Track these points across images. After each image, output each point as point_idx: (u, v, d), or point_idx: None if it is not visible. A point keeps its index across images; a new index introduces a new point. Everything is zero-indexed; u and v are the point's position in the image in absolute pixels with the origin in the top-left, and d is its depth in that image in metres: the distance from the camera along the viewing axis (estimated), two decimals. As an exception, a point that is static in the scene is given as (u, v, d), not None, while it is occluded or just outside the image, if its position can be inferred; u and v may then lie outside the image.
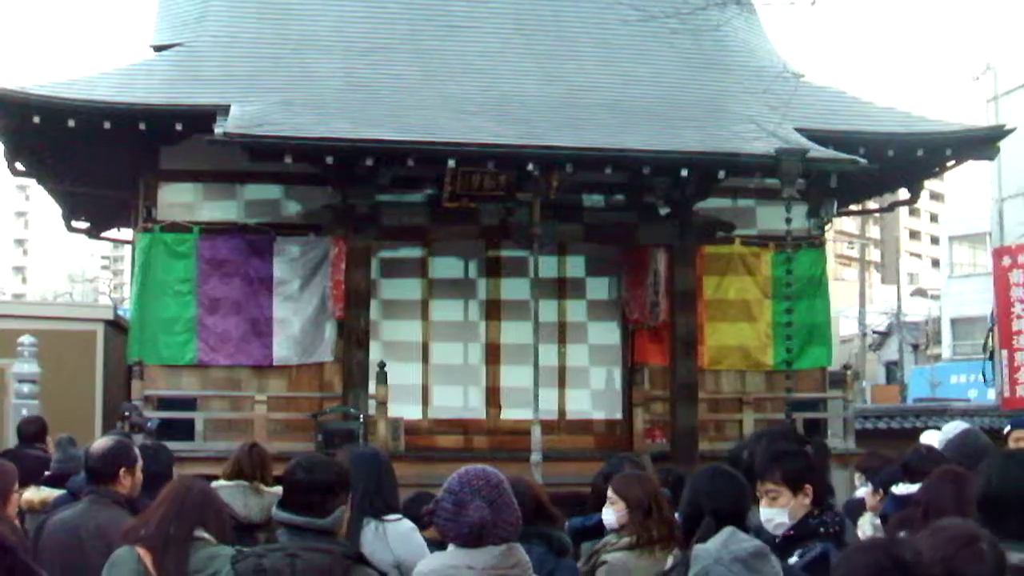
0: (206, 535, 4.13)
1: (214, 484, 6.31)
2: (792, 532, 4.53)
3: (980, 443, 6.31)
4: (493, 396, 15.27)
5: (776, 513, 4.64)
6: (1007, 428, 7.43)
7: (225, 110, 12.83)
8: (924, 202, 58.99)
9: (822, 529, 4.51)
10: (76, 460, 6.75)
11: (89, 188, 16.45)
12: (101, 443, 5.37)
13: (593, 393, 15.53)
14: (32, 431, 9.15)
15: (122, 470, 5.18)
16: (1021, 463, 3.77)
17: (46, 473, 7.55)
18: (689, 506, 4.38)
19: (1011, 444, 7.21)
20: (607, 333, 15.64)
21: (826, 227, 16.39)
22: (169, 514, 4.12)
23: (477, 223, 13.65)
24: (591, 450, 14.25)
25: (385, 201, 13.44)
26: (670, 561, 4.79)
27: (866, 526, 6.30)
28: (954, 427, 6.97)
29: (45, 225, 68.13)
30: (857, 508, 6.84)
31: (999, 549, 2.84)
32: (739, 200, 15.37)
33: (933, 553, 2.68)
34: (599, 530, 5.60)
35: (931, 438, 7.23)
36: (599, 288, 15.69)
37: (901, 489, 5.92)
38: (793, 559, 4.33)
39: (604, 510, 5.52)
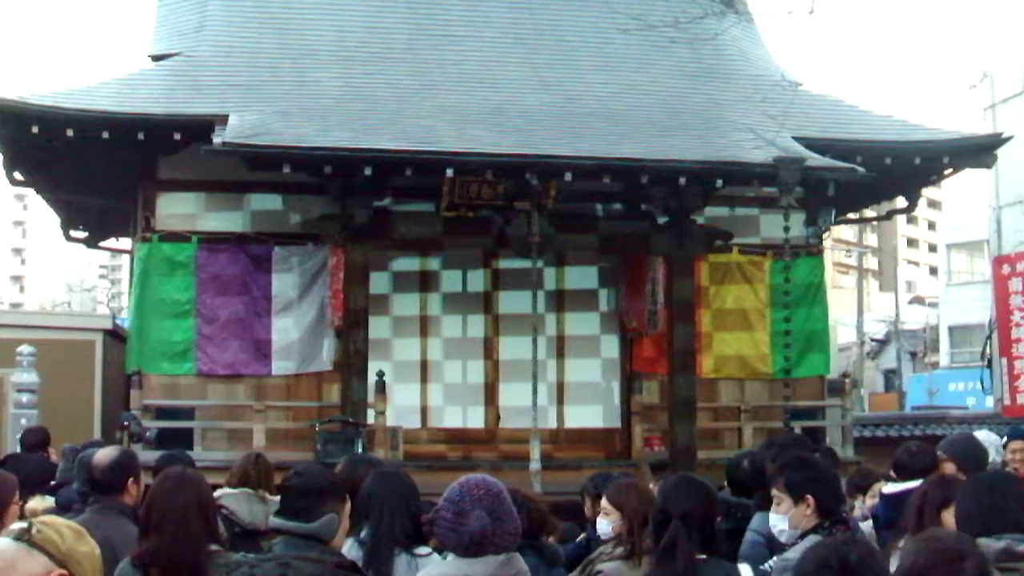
0: (215, 547, 4.13)
1: (218, 492, 6.32)
2: (800, 542, 4.57)
3: (980, 452, 6.39)
4: (493, 407, 15.27)
5: (779, 520, 4.82)
6: (1004, 439, 7.44)
7: (224, 120, 12.82)
8: (922, 210, 59.00)
9: None
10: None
11: (87, 198, 16.44)
12: (107, 454, 5.32)
13: (592, 403, 15.52)
14: (35, 442, 9.15)
15: (130, 480, 5.18)
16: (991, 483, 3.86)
17: (51, 483, 7.55)
18: (659, 512, 4.44)
19: (1008, 455, 7.25)
20: (606, 343, 15.64)
21: (824, 235, 16.41)
22: (172, 529, 4.10)
23: (475, 234, 13.64)
24: (590, 459, 14.23)
25: (384, 210, 13.44)
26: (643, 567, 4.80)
27: None
28: (984, 435, 7.12)
29: (43, 234, 67.98)
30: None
31: (986, 569, 2.81)
32: (739, 209, 15.38)
33: (915, 560, 2.68)
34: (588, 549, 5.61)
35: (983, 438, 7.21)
36: (598, 299, 15.69)
37: (890, 488, 5.98)
38: None
39: (599, 520, 5.54)
